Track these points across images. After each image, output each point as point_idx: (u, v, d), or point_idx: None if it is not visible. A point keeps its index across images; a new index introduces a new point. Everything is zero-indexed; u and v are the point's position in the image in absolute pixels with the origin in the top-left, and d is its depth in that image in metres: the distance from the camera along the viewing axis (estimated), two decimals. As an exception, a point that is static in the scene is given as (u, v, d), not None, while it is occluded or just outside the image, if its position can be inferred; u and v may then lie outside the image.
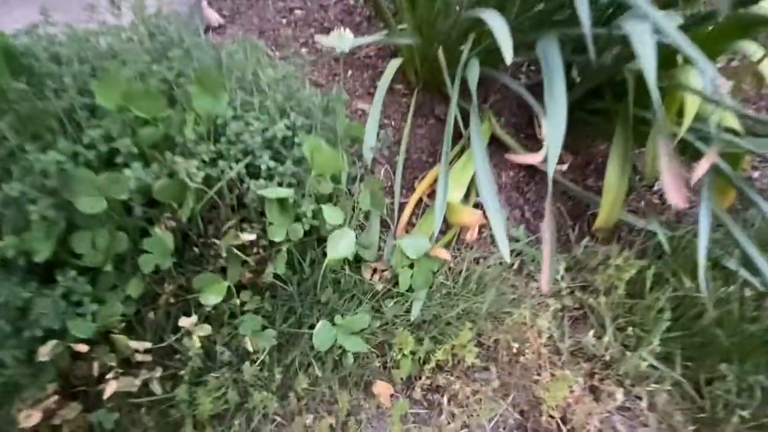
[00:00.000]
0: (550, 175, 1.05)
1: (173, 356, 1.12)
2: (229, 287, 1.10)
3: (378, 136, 1.40)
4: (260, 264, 1.18)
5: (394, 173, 1.45)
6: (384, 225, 1.39)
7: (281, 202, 1.10)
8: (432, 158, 1.54)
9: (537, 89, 1.14)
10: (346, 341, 1.13)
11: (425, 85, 1.63)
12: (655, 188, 1.62)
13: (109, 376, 1.02)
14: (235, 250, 1.07)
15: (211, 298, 1.08)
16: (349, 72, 1.68)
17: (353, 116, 1.55)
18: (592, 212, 1.48)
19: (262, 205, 1.08)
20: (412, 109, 1.59)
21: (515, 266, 1.41)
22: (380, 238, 1.35)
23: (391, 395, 1.15)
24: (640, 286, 1.32)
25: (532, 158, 1.07)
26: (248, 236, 1.06)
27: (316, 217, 1.15)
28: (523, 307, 1.27)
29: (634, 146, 1.31)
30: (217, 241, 1.11)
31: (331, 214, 1.17)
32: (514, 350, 1.23)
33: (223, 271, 1.10)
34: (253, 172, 1.09)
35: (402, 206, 1.42)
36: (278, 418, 1.15)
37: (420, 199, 1.44)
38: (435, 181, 1.46)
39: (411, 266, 1.27)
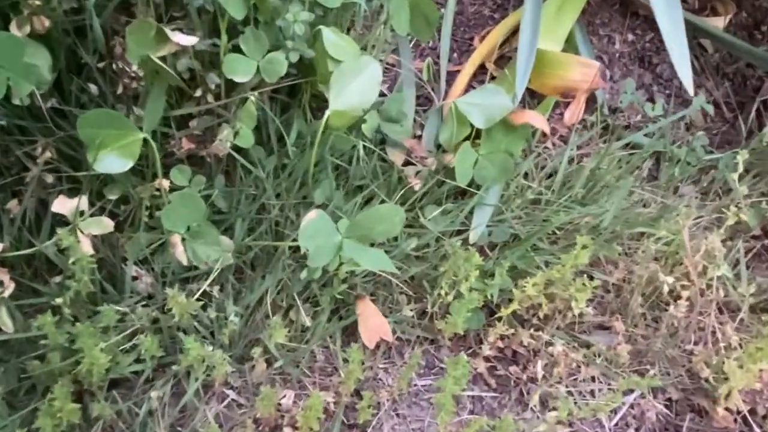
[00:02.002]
0: None
1: (51, 274, 0.84)
2: (146, 143, 0.77)
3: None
4: (208, 128, 0.88)
5: (439, 31, 1.17)
6: (422, 103, 1.11)
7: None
8: (498, 13, 1.26)
9: None
10: (360, 255, 0.80)
11: None
12: None
13: None
14: (159, 63, 0.73)
15: (110, 162, 0.76)
16: None
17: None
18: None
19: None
20: (469, -60, 1.28)
21: (645, 172, 1.10)
22: (415, 120, 1.06)
23: (385, 341, 0.86)
24: None
25: None
26: (185, 38, 0.72)
27: (310, 46, 0.85)
28: (665, 229, 0.92)
29: None
30: (130, 69, 0.77)
31: (337, 43, 0.85)
32: (657, 295, 0.91)
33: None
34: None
35: (452, 76, 1.13)
36: (231, 393, 0.84)
37: (482, 66, 1.16)
38: (506, 40, 1.18)
39: (474, 147, 0.95)
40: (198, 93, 0.83)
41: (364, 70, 0.83)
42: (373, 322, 0.85)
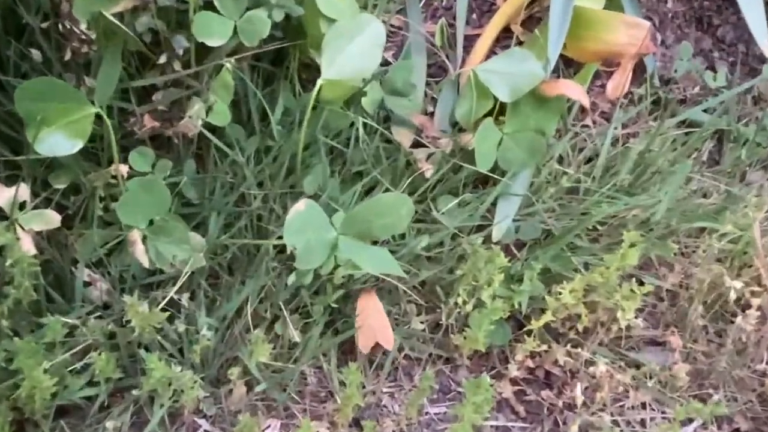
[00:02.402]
0: None
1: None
2: (99, 119, 0.77)
3: None
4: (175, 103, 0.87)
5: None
6: (435, 73, 1.12)
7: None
8: (528, -34, 1.25)
9: None
10: (359, 255, 0.80)
11: None
12: None
13: None
14: (114, 22, 0.73)
15: (56, 143, 0.75)
16: None
17: None
18: None
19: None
20: None
21: (704, 155, 1.10)
22: (426, 94, 1.07)
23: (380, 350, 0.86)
24: None
25: None
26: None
27: (298, 2, 0.86)
28: (731, 224, 0.92)
29: None
30: (79, 30, 0.76)
31: (330, -1, 0.86)
32: (722, 304, 0.91)
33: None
34: None
35: (471, 41, 1.14)
36: (204, 423, 0.83)
37: (506, 29, 1.16)
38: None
39: (497, 124, 0.95)
40: (162, 60, 0.82)
41: (363, 31, 0.83)
42: (372, 323, 0.84)
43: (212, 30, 0.80)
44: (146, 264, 0.81)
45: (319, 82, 0.82)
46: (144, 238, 0.81)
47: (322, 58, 0.82)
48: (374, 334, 0.85)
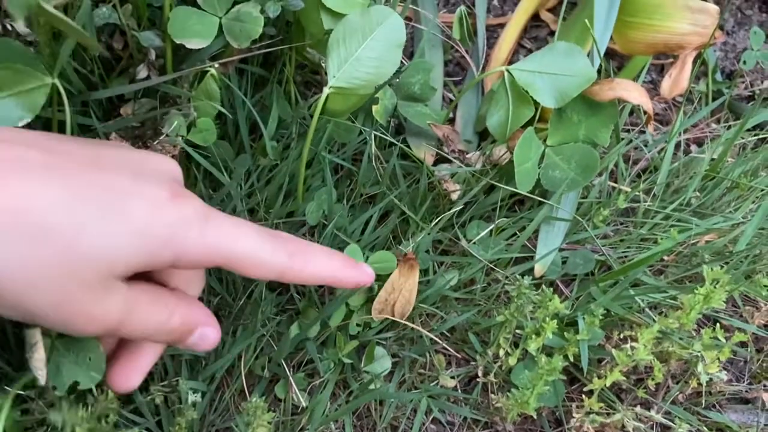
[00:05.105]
0: None
1: None
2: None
3: None
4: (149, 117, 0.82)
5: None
6: (451, 72, 1.11)
7: None
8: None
9: None
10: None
11: None
12: None
13: None
14: (59, 17, 0.66)
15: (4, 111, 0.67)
16: None
17: None
18: None
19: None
20: None
21: None
22: (444, 98, 1.06)
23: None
24: None
25: None
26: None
27: None
28: None
29: None
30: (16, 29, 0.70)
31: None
32: None
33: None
34: None
35: (493, 33, 1.12)
36: None
37: (535, 16, 1.15)
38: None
39: (536, 131, 0.90)
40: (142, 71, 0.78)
41: (378, 27, 0.76)
42: (400, 287, 0.78)
43: (192, 29, 0.74)
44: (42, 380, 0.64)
45: (326, 91, 0.75)
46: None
47: (328, 62, 0.76)
48: (392, 301, 0.79)
